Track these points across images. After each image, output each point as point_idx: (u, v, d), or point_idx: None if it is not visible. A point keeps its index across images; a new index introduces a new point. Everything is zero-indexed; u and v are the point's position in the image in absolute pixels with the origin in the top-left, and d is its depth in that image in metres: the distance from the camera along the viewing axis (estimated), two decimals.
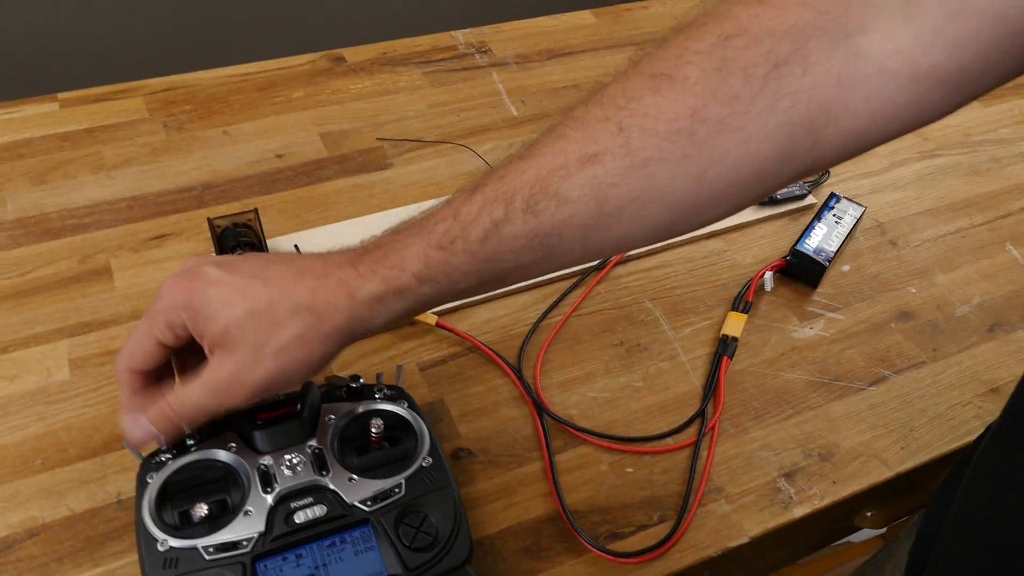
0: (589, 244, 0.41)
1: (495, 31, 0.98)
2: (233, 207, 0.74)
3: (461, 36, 0.97)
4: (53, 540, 0.52)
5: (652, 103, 0.38)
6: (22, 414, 0.58)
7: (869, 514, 0.71)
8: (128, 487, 0.55)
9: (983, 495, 0.43)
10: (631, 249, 0.43)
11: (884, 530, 0.80)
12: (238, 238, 0.65)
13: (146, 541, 0.45)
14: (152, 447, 0.48)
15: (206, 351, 0.43)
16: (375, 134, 0.83)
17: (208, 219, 0.65)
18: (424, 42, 0.95)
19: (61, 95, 0.83)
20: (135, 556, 0.52)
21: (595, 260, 0.44)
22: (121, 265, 0.68)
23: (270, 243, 0.69)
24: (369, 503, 0.48)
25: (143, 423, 0.44)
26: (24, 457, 0.56)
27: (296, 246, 0.70)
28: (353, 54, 0.93)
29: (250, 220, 0.66)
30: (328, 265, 0.43)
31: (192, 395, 0.43)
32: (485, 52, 0.95)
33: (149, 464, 0.49)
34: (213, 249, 0.68)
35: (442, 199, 0.44)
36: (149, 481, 0.48)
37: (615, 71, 0.41)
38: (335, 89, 0.88)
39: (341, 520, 0.47)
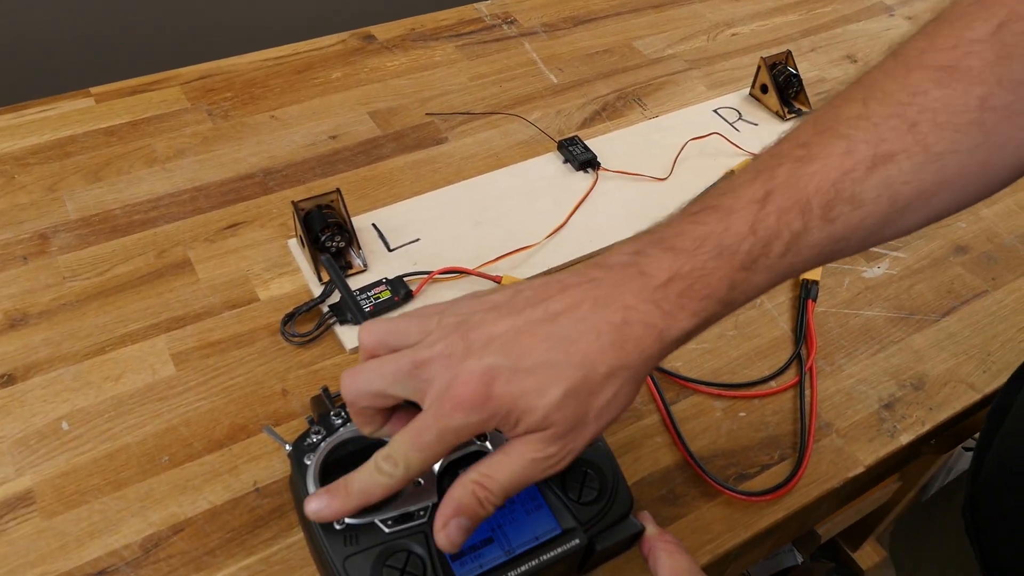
0: (869, 242, 0.40)
1: (516, 1, 0.98)
2: (299, 191, 0.73)
3: (484, 8, 0.97)
4: (200, 534, 0.51)
5: (940, 96, 0.38)
6: (136, 413, 0.57)
7: (932, 442, 0.74)
8: (263, 475, 0.54)
9: None
10: (892, 240, 0.42)
11: None
12: (325, 220, 0.64)
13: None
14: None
15: (506, 435, 0.39)
16: (423, 110, 0.82)
17: (293, 202, 0.64)
18: (449, 16, 0.95)
19: (94, 89, 0.80)
20: (287, 542, 0.52)
21: (852, 255, 0.42)
22: (200, 257, 0.67)
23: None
24: None
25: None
26: (149, 455, 0.55)
27: (375, 224, 0.70)
28: (382, 32, 0.92)
29: (333, 201, 0.65)
30: (619, 308, 0.38)
31: (508, 474, 0.38)
32: (512, 23, 0.95)
33: (301, 447, 0.48)
34: (295, 232, 0.67)
35: (691, 201, 0.41)
36: (308, 463, 0.47)
37: (871, 66, 0.41)
38: (372, 67, 0.87)
39: None
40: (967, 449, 1.18)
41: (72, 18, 1.10)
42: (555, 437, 0.38)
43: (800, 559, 1.21)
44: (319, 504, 0.41)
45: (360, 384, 0.40)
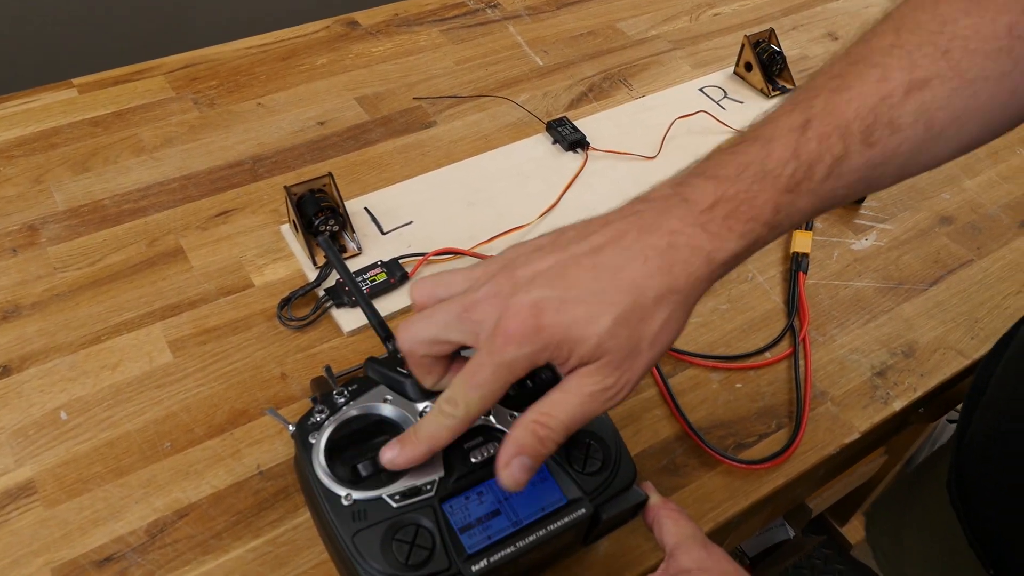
0: (905, 171, 0.41)
1: None
2: (289, 177, 0.72)
3: None
4: (205, 518, 0.51)
5: (969, 24, 0.39)
6: (135, 400, 0.56)
7: (921, 410, 0.76)
8: (266, 458, 0.54)
9: None
10: (927, 170, 0.43)
11: None
12: (318, 204, 0.64)
13: (328, 498, 0.45)
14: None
15: (561, 371, 0.39)
16: (410, 94, 0.82)
17: (285, 187, 0.63)
18: (432, 0, 0.95)
19: (76, 80, 0.79)
20: (293, 523, 0.52)
21: (890, 186, 0.44)
22: (192, 245, 0.66)
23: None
24: None
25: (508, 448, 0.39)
26: (150, 442, 0.54)
27: (367, 208, 0.70)
28: (365, 17, 0.91)
29: (325, 185, 0.65)
30: (664, 233, 0.38)
31: (568, 410, 0.39)
32: (495, 6, 0.95)
33: (306, 426, 0.48)
34: (288, 218, 0.67)
35: (731, 141, 0.41)
36: (313, 442, 0.47)
37: (897, 2, 0.42)
38: (358, 53, 0.86)
39: None
40: (951, 421, 1.20)
41: (51, 10, 1.08)
42: (610, 367, 0.38)
43: (792, 533, 1.22)
44: (393, 453, 0.43)
45: (414, 333, 0.40)
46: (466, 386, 0.39)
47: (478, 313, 0.39)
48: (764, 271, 0.70)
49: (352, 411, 0.48)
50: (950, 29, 0.39)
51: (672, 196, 0.40)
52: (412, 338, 0.41)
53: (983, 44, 0.39)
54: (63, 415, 0.55)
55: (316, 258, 0.65)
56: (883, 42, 0.41)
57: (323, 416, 0.48)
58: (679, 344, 0.64)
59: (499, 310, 0.38)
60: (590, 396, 0.39)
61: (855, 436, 0.60)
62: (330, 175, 0.65)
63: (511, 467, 0.39)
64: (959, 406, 0.77)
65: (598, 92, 0.85)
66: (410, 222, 0.69)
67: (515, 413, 0.49)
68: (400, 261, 0.65)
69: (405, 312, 0.63)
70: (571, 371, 0.39)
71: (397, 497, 0.46)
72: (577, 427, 0.40)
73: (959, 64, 0.39)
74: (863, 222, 0.75)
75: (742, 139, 0.41)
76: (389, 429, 0.49)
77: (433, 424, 0.41)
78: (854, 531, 1.35)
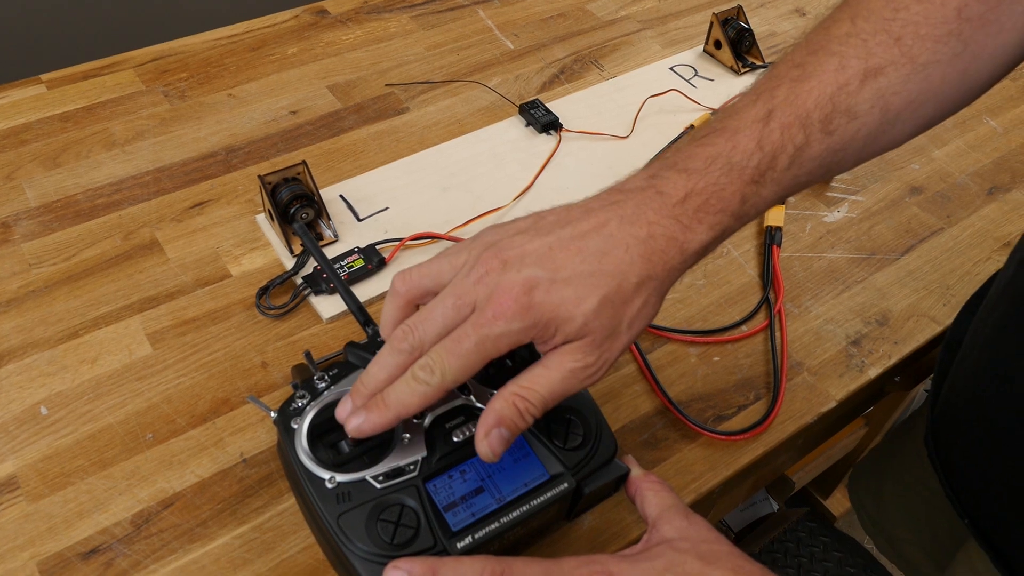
0: (864, 154, 0.43)
1: None
2: (264, 167, 0.72)
3: None
4: (190, 507, 0.51)
5: (920, 10, 0.41)
6: (116, 393, 0.56)
7: (897, 379, 0.77)
8: (249, 446, 0.55)
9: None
10: (886, 152, 0.46)
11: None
12: (293, 192, 0.64)
13: (312, 482, 0.46)
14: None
15: (542, 349, 0.41)
16: (382, 81, 0.82)
17: (259, 176, 0.63)
18: None
19: (45, 76, 0.78)
20: (278, 508, 0.52)
21: (851, 168, 0.46)
22: (168, 237, 0.66)
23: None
24: None
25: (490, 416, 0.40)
26: (133, 434, 0.54)
27: (342, 196, 0.70)
28: (335, 5, 0.91)
29: (300, 173, 0.65)
30: (643, 223, 0.40)
31: (548, 385, 0.40)
32: None
33: (287, 412, 0.48)
34: (263, 207, 0.67)
35: (694, 131, 0.42)
36: (295, 427, 0.48)
37: None
38: (328, 42, 0.86)
39: None
40: (928, 391, 1.22)
41: (16, 4, 1.07)
42: (592, 346, 0.39)
43: (776, 507, 1.24)
44: (358, 420, 0.42)
45: (420, 335, 0.41)
46: (447, 354, 0.40)
47: (472, 296, 0.40)
48: (739, 245, 0.71)
49: (333, 395, 0.49)
50: (902, 16, 0.41)
51: (648, 188, 0.42)
52: (420, 339, 0.41)
53: (933, 29, 0.41)
54: (43, 410, 0.55)
55: (293, 246, 0.65)
56: (840, 30, 0.43)
57: (304, 402, 0.49)
58: (657, 320, 0.64)
59: (490, 288, 0.39)
60: (571, 372, 0.40)
61: (832, 404, 0.61)
62: (304, 163, 0.65)
63: (490, 438, 0.40)
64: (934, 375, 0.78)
65: (570, 74, 0.85)
66: (386, 208, 0.69)
67: (494, 392, 0.49)
68: (377, 247, 0.65)
69: (383, 297, 0.63)
70: (553, 349, 0.40)
71: (380, 478, 0.46)
72: (555, 402, 0.41)
73: (911, 50, 0.41)
74: (835, 195, 0.76)
75: (710, 130, 0.43)
76: None
77: (405, 390, 0.41)
78: (837, 504, 1.37)
